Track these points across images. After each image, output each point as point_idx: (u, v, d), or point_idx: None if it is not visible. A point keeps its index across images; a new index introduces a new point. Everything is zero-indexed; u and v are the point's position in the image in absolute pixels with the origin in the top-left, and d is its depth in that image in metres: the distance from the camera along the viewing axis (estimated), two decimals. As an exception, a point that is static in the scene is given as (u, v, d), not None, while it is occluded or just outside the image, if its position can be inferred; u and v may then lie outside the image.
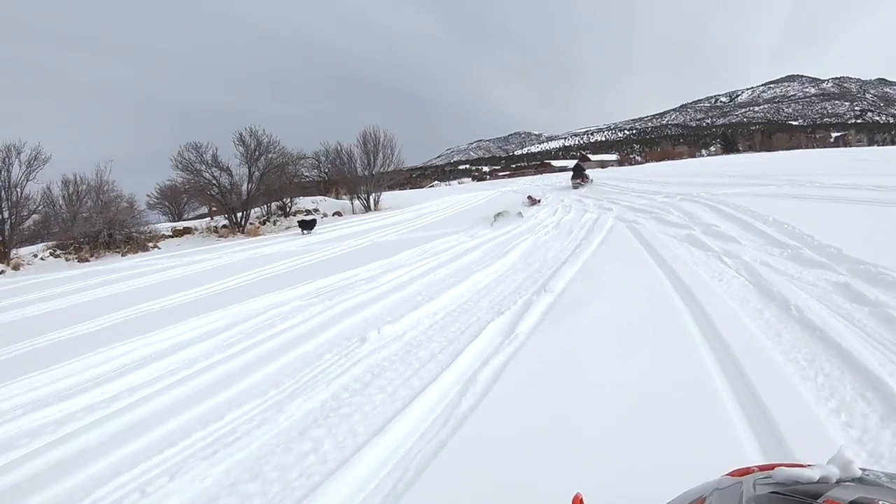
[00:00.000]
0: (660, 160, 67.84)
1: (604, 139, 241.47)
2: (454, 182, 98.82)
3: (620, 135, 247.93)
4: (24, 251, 18.44)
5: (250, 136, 22.31)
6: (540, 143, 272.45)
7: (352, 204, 26.61)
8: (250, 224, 23.12)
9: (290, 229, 22.72)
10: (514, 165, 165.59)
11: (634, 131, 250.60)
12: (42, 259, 18.01)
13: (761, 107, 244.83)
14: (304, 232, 19.48)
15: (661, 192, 16.82)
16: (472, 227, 13.84)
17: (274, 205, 24.67)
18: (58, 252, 18.47)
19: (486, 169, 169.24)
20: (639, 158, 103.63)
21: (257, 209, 24.40)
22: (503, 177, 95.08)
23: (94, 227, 18.32)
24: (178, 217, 26.72)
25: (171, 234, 21.25)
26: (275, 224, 23.57)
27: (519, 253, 8.33)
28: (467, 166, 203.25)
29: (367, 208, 26.68)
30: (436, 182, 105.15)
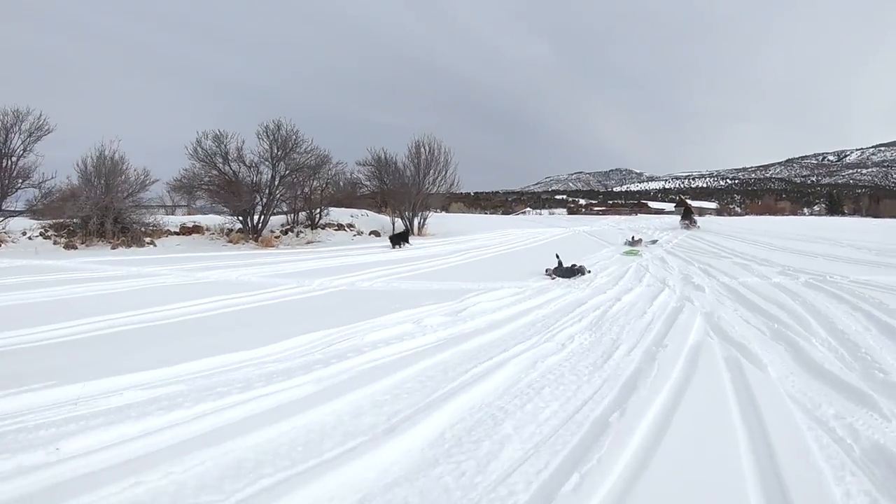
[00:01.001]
0: (760, 214, 61.41)
1: (705, 185, 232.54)
2: (545, 211, 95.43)
3: (722, 183, 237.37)
4: (19, 227, 16.65)
5: (277, 130, 19.70)
6: (640, 182, 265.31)
7: (393, 224, 23.46)
8: (271, 232, 20.51)
9: (313, 245, 19.87)
10: (610, 202, 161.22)
11: (737, 181, 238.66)
12: (30, 239, 16.10)
13: (869, 169, 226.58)
14: (395, 247, 18.23)
15: (772, 263, 12.30)
16: (518, 279, 10.15)
17: (302, 214, 21.98)
18: (49, 233, 16.51)
19: (582, 202, 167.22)
20: (739, 210, 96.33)
21: (281, 217, 21.82)
22: (598, 212, 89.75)
23: (82, 211, 16.19)
24: (192, 211, 24.64)
25: (177, 230, 18.97)
26: (297, 236, 20.82)
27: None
28: (564, 197, 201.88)
29: (412, 231, 23.43)
30: (527, 209, 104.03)
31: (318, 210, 21.74)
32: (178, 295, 8.42)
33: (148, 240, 17.20)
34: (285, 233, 20.95)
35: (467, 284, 9.93)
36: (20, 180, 16.34)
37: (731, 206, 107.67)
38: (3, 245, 15.12)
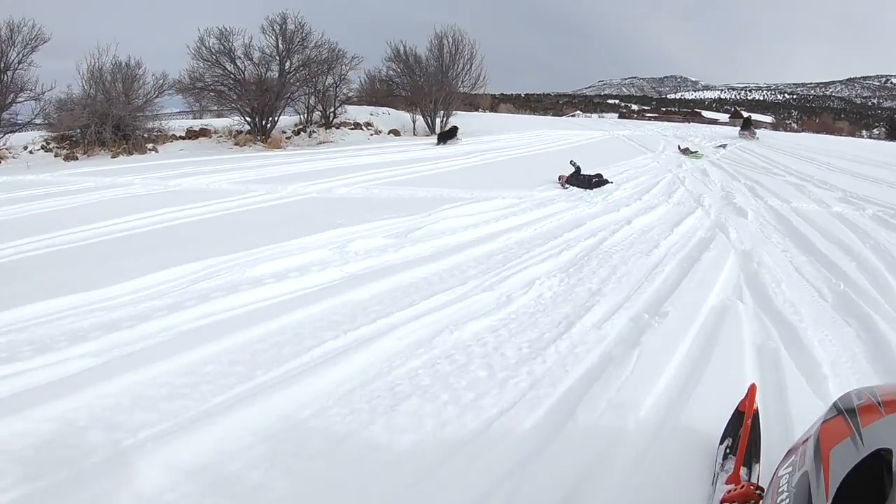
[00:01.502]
0: (817, 132, 55.52)
1: (761, 98, 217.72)
2: (594, 115, 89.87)
3: (779, 97, 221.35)
4: (21, 140, 16.19)
5: (283, 24, 17.82)
6: (695, 91, 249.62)
7: (414, 123, 21.66)
8: (282, 133, 19.33)
9: (325, 145, 18.63)
10: (663, 109, 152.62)
11: (794, 97, 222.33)
12: (31, 153, 15.66)
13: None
14: (440, 144, 17.52)
15: (831, 186, 10.17)
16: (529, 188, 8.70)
17: (318, 114, 20.52)
18: (51, 146, 16.00)
19: (634, 107, 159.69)
20: (794, 126, 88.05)
21: (294, 117, 20.47)
22: (650, 119, 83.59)
23: (78, 121, 15.41)
24: (200, 115, 23.54)
25: (184, 135, 18.09)
26: (310, 136, 19.55)
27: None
28: (616, 102, 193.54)
29: (432, 131, 21.63)
30: (577, 112, 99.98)
31: (332, 108, 20.15)
32: (128, 208, 7.48)
33: (150, 146, 16.41)
34: (297, 133, 19.70)
35: (458, 192, 8.58)
36: (17, 94, 15.58)
37: (787, 122, 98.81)
38: (3, 161, 14.71)
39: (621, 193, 8.67)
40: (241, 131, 18.45)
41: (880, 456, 0.92)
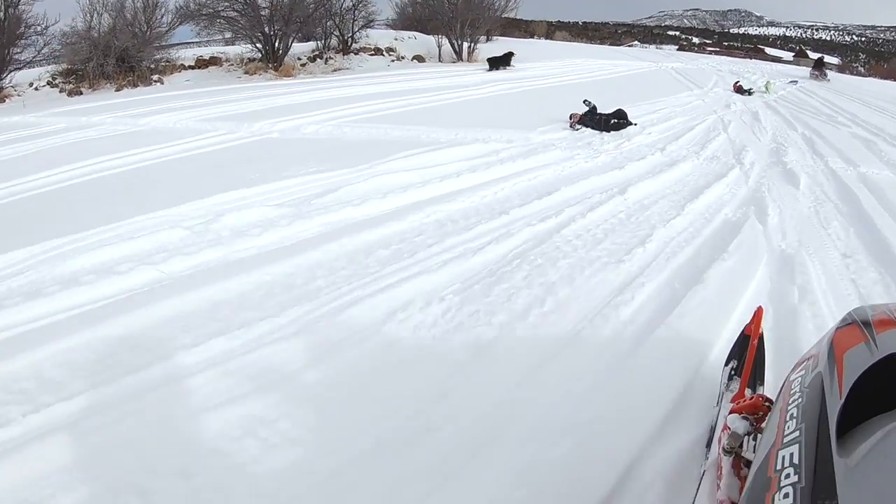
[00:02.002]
0: (885, 77, 47.64)
1: (828, 38, 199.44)
2: (651, 46, 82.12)
3: (847, 39, 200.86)
4: (28, 77, 15.74)
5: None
6: (759, 27, 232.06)
7: (439, 49, 19.67)
8: (297, 59, 18.01)
9: (340, 73, 17.24)
10: (726, 43, 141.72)
11: (864, 39, 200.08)
12: (36, 89, 15.22)
13: None
14: (493, 70, 16.63)
15: None
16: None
17: (336, 39, 18.94)
18: (57, 81, 15.48)
19: (695, 40, 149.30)
20: (862, 70, 77.35)
21: (311, 43, 19.01)
22: (711, 52, 75.34)
23: (79, 55, 14.69)
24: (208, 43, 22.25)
25: (193, 64, 17.14)
26: (326, 63, 18.13)
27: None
28: (677, 33, 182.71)
29: (458, 57, 19.66)
30: (635, 43, 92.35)
31: (351, 33, 18.50)
32: (73, 155, 6.66)
33: (155, 77, 15.61)
34: (313, 60, 18.32)
35: (440, 133, 7.26)
36: (24, 29, 14.90)
37: (854, 65, 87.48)
38: (7, 100, 14.34)
39: (642, 140, 7.04)
40: (253, 59, 17.28)
41: (894, 360, 0.97)
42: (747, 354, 1.91)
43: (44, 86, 15.22)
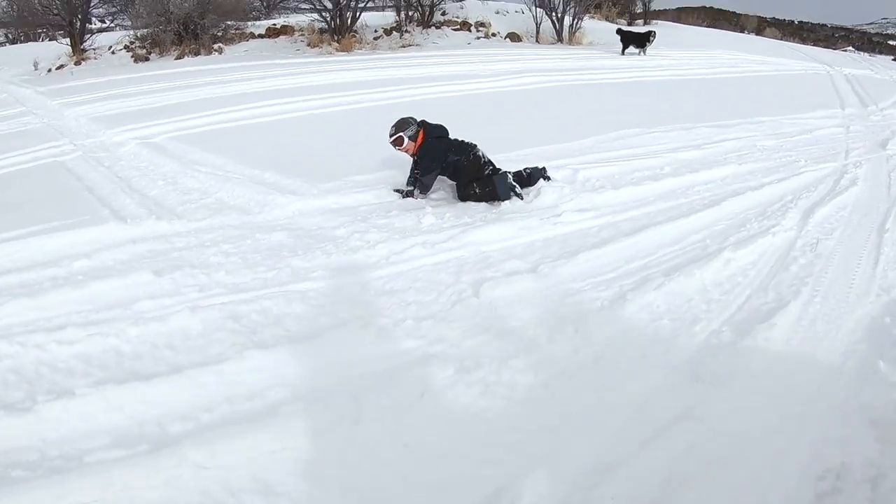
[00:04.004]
0: None
1: None
2: (864, 54, 64.50)
3: None
4: (108, 40, 16.24)
5: None
6: None
7: (537, 26, 16.30)
8: (374, 32, 16.20)
9: (407, 49, 15.10)
10: None
11: None
12: (113, 53, 15.58)
13: None
14: (629, 50, 14.08)
15: None
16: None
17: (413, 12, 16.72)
18: (134, 45, 15.71)
19: None
20: None
21: (386, 11, 17.02)
22: None
23: (139, 20, 14.61)
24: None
25: (263, 33, 16.30)
26: (402, 36, 16.03)
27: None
28: None
29: (559, 37, 16.17)
30: (849, 48, 74.80)
31: (431, 3, 16.09)
32: None
33: (217, 46, 14.98)
34: (389, 33, 16.32)
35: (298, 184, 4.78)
36: None
37: None
38: (84, 63, 14.81)
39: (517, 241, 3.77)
40: (324, 30, 15.87)
41: None
42: None
43: (120, 49, 15.51)
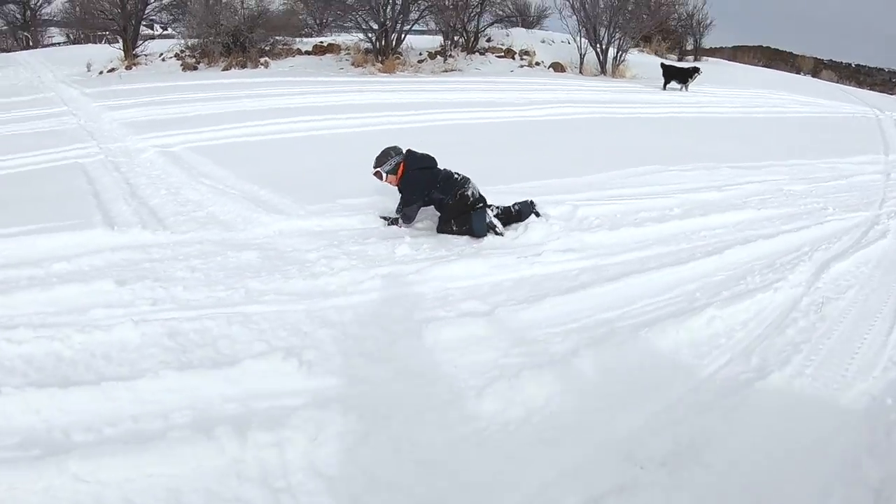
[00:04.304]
0: None
1: None
2: None
3: None
4: (160, 47, 17.05)
5: None
6: None
7: (581, 58, 16.13)
8: (419, 55, 16.43)
9: (449, 73, 15.20)
10: None
11: None
12: (163, 60, 16.35)
13: None
14: (671, 86, 13.85)
15: None
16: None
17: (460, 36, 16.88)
18: (185, 53, 16.43)
19: None
20: None
21: (433, 35, 17.24)
22: None
23: (190, 31, 15.28)
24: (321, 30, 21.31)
25: (311, 49, 16.79)
26: (445, 61, 16.18)
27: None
28: None
29: (602, 69, 15.93)
30: None
31: (475, 29, 16.20)
32: None
33: (263, 60, 15.52)
34: (434, 56, 16.51)
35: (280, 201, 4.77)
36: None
37: None
38: (134, 68, 15.60)
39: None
40: (370, 50, 16.21)
41: None
42: None
43: (171, 57, 16.25)
